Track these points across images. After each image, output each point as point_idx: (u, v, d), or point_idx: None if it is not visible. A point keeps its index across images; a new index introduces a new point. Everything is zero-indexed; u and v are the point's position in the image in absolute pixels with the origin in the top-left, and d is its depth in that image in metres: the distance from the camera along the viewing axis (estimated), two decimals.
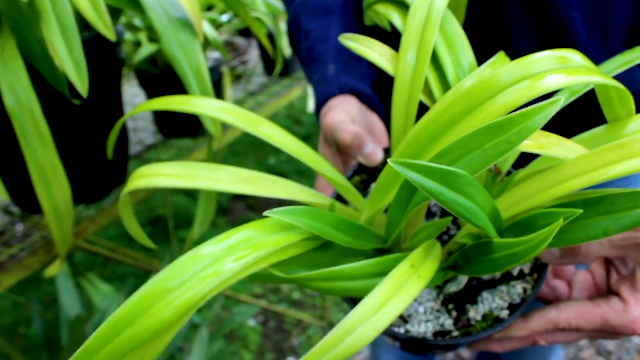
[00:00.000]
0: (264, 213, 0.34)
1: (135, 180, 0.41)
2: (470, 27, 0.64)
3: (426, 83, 0.44)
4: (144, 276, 1.81)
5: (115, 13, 0.79)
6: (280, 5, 1.09)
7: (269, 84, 1.58)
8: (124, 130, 0.89)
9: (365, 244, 0.38)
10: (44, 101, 0.58)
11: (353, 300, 0.44)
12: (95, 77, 0.77)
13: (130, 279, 1.89)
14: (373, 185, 0.46)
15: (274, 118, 2.46)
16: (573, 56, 0.37)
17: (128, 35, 1.11)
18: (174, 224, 2.21)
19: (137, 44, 1.09)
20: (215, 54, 1.15)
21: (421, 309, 0.44)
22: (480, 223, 0.34)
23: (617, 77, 0.62)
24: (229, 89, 1.14)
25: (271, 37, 1.28)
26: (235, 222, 2.51)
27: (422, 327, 0.43)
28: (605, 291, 0.46)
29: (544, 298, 0.47)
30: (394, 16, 0.47)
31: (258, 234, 0.34)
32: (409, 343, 0.43)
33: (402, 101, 0.44)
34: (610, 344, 1.87)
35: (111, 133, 0.56)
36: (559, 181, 0.36)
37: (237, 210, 2.57)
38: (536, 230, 0.33)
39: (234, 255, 0.31)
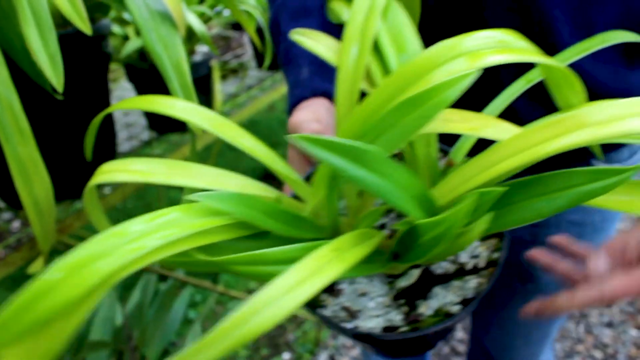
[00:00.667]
0: (188, 197, 0.35)
1: (99, 176, 0.42)
2: (451, 25, 0.63)
3: (371, 73, 0.44)
4: None
5: (102, 7, 0.78)
6: None
7: (265, 77, 1.57)
8: (111, 125, 0.88)
9: (303, 233, 0.38)
10: (25, 96, 0.57)
11: None
12: (80, 72, 0.76)
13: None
14: None
15: (270, 111, 2.45)
16: (516, 41, 0.38)
17: (117, 29, 1.10)
18: None
19: (126, 38, 1.08)
20: (205, 48, 1.14)
21: (371, 305, 0.43)
22: (399, 202, 0.34)
23: (606, 79, 0.62)
24: (218, 83, 1.13)
25: (261, 31, 1.27)
26: None
27: (371, 323, 0.42)
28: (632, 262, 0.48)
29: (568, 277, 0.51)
30: (344, 11, 0.48)
31: (186, 216, 0.34)
32: (362, 339, 0.43)
33: (345, 91, 0.44)
34: (606, 337, 1.86)
35: (89, 129, 0.55)
36: (494, 162, 0.35)
37: None
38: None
39: (160, 232, 0.32)
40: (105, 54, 0.81)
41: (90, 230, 1.38)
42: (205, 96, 1.11)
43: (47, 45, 0.51)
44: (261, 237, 0.38)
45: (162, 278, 1.51)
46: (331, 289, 0.45)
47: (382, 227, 0.49)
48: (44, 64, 0.51)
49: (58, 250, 1.49)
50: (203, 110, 0.45)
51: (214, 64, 1.15)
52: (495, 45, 0.37)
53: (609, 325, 1.92)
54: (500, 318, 1.00)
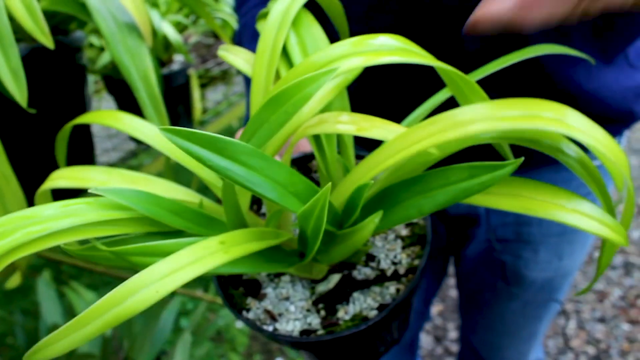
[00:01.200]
0: (89, 190, 0.37)
1: (48, 182, 0.47)
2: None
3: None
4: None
5: (74, 20, 0.78)
6: None
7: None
8: (88, 137, 0.88)
9: (210, 232, 0.39)
10: None
11: None
12: (53, 85, 0.76)
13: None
14: None
15: None
16: (374, 41, 0.39)
17: (95, 41, 1.10)
18: None
19: (103, 50, 1.08)
20: (182, 57, 1.14)
21: (292, 308, 0.45)
22: (270, 195, 0.35)
23: (580, 79, 0.62)
24: (197, 91, 1.13)
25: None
26: None
27: (290, 326, 0.44)
28: None
29: None
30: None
31: (94, 207, 0.37)
32: (283, 341, 0.44)
33: (258, 98, 0.46)
34: (599, 332, 1.87)
35: (57, 140, 0.55)
36: (379, 162, 0.37)
37: None
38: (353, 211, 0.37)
39: (67, 219, 0.35)
40: (80, 66, 0.81)
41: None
42: (184, 105, 1.11)
43: (8, 60, 0.51)
44: (175, 235, 0.39)
45: None
46: (256, 293, 0.46)
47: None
48: (6, 78, 0.51)
49: (36, 265, 1.49)
50: (150, 127, 0.47)
51: (193, 72, 1.15)
52: (394, 48, 0.39)
53: (601, 320, 1.92)
54: (487, 318, 1.00)
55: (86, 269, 1.34)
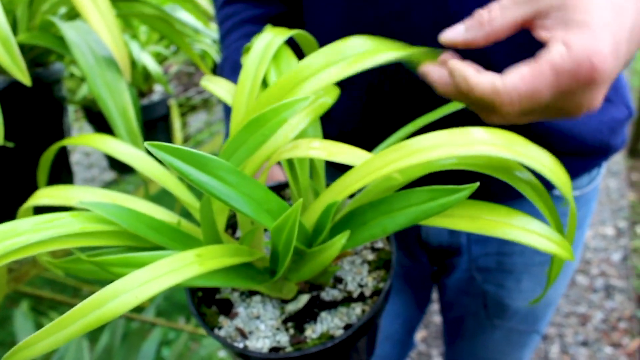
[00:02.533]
0: (81, 204, 0.40)
1: (31, 200, 0.50)
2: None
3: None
4: None
5: (52, 52, 0.78)
6: None
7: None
8: (67, 167, 0.87)
9: (187, 249, 0.41)
10: None
11: None
12: (32, 117, 0.76)
13: None
14: None
15: None
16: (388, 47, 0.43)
17: (75, 71, 1.10)
18: None
19: (84, 80, 1.08)
20: (162, 87, 1.14)
21: (262, 327, 0.47)
22: (244, 209, 0.37)
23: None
24: (177, 121, 1.13)
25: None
26: None
27: (260, 343, 0.46)
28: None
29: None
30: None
31: (76, 220, 0.39)
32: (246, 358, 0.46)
33: (237, 125, 0.48)
34: (582, 356, 1.87)
35: (40, 164, 0.55)
36: (348, 185, 0.41)
37: None
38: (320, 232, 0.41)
39: (47, 231, 0.38)
40: (59, 98, 0.81)
41: (55, 277, 1.36)
42: (165, 136, 1.11)
43: None
44: (154, 250, 0.41)
45: (132, 321, 1.48)
46: (228, 312, 0.49)
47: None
48: None
49: (13, 296, 1.46)
50: (135, 150, 0.51)
51: (173, 102, 1.15)
52: (370, 50, 0.42)
53: (584, 344, 1.93)
54: (470, 346, 1.00)
55: (64, 303, 1.32)
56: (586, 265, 2.28)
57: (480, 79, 0.38)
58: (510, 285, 0.83)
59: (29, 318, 1.43)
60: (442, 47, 0.45)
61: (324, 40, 0.54)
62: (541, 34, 0.39)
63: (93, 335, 1.51)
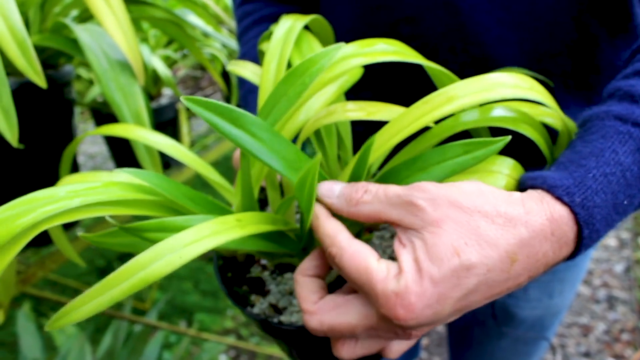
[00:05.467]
0: (118, 170, 0.40)
1: (59, 184, 0.48)
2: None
3: None
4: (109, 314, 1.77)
5: (62, 55, 0.78)
6: (235, 45, 1.09)
7: None
8: (75, 169, 0.87)
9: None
10: None
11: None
12: (41, 119, 0.76)
13: (96, 317, 1.85)
14: None
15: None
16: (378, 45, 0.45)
17: (83, 73, 1.10)
18: None
19: (92, 82, 1.08)
20: (171, 91, 1.14)
21: (295, 302, 0.47)
22: (272, 163, 0.38)
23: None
24: (185, 125, 1.13)
25: (227, 74, 1.28)
26: (207, 254, 2.47)
27: (295, 317, 0.46)
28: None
29: None
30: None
31: (113, 188, 0.39)
32: (285, 334, 0.46)
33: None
34: None
35: (62, 163, 0.56)
36: (385, 140, 0.41)
37: None
38: None
39: (83, 197, 0.37)
40: (69, 100, 0.81)
41: (70, 274, 1.36)
42: (173, 138, 1.11)
43: (0, 99, 0.50)
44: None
45: (134, 324, 1.48)
46: (260, 290, 0.49)
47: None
48: None
49: (15, 297, 1.46)
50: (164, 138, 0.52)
51: (181, 106, 1.15)
52: (357, 51, 0.44)
53: (586, 355, 1.92)
54: (476, 355, 1.00)
55: (64, 304, 1.31)
56: (589, 275, 2.28)
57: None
58: (518, 294, 0.82)
59: (31, 319, 1.42)
60: (455, 57, 0.47)
61: (338, 41, 0.54)
62: (395, 242, 0.37)
63: (95, 337, 1.51)
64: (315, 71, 0.39)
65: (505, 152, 0.40)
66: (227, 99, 1.58)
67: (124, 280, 0.31)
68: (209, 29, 0.92)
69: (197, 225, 0.34)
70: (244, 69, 0.54)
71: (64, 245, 0.63)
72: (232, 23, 1.04)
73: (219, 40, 1.00)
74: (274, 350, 1.89)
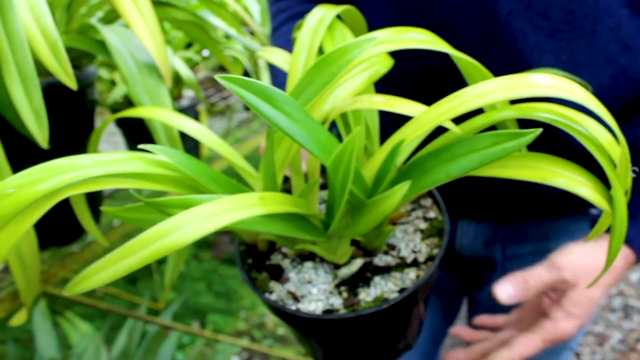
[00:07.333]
0: (141, 146, 0.39)
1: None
2: None
3: None
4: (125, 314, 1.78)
5: (86, 55, 0.78)
6: (257, 46, 1.09)
7: (253, 119, 1.57)
8: None
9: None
10: (8, 145, 0.56)
11: None
12: (64, 120, 0.76)
13: (110, 316, 1.86)
14: None
15: (258, 153, 2.43)
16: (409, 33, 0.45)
17: (105, 74, 1.10)
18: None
19: (114, 83, 1.08)
20: (192, 92, 1.15)
21: (314, 291, 0.47)
22: (305, 143, 0.38)
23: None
24: (206, 126, 1.13)
25: (248, 76, 1.28)
26: (220, 255, 2.48)
27: (313, 306, 0.46)
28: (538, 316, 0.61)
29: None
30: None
31: (136, 161, 0.39)
32: (304, 323, 0.46)
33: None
34: None
35: (89, 146, 0.56)
36: (407, 135, 0.41)
37: (222, 244, 2.55)
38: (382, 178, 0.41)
39: (106, 167, 0.36)
40: (92, 101, 0.81)
41: (70, 276, 1.36)
42: (193, 140, 1.11)
43: (31, 100, 0.50)
44: None
45: (147, 323, 1.48)
46: (279, 277, 0.49)
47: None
48: (28, 119, 0.50)
49: (41, 293, 1.46)
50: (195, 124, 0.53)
51: (201, 108, 1.15)
52: (389, 38, 0.44)
53: None
54: None
55: (79, 302, 1.32)
56: None
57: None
58: None
59: (47, 317, 1.43)
60: (490, 62, 0.47)
61: None
62: (545, 301, 0.60)
63: (110, 336, 1.52)
64: (345, 62, 0.39)
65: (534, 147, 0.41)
66: None
67: (142, 248, 0.30)
68: (231, 30, 0.92)
69: (219, 199, 0.33)
70: (274, 56, 0.55)
71: (87, 223, 0.64)
72: (254, 25, 1.04)
73: (241, 43, 1.00)
74: (287, 352, 1.89)
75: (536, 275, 0.57)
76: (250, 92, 0.36)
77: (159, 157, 0.40)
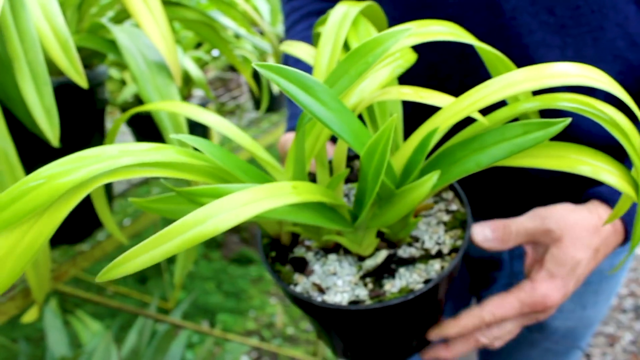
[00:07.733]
0: (173, 136, 0.39)
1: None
2: None
3: None
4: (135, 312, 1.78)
5: (97, 55, 0.79)
6: (267, 46, 1.10)
7: (262, 119, 1.57)
8: None
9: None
10: (21, 143, 0.57)
11: None
12: (75, 119, 0.77)
13: (120, 315, 1.87)
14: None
15: (269, 150, 2.44)
16: (460, 31, 0.47)
17: (115, 73, 1.11)
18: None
19: (124, 83, 1.08)
20: (202, 92, 1.15)
21: (339, 282, 0.48)
22: (340, 132, 0.38)
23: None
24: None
25: (258, 75, 1.28)
26: (229, 255, 2.49)
27: (338, 297, 0.46)
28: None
29: None
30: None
31: (165, 150, 0.38)
32: (328, 315, 0.46)
33: None
34: None
35: (109, 136, 0.56)
36: (439, 124, 0.42)
37: (231, 243, 2.55)
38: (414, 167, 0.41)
39: (133, 157, 0.36)
40: (102, 100, 0.81)
41: (88, 275, 1.37)
42: (201, 134, 1.11)
43: (42, 99, 0.51)
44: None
45: (157, 322, 1.49)
46: (303, 270, 0.49)
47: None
48: (39, 117, 0.51)
49: (52, 292, 1.47)
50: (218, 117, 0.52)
51: (211, 107, 1.15)
52: (416, 31, 0.45)
53: None
54: None
55: (90, 300, 1.33)
56: None
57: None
58: None
59: (58, 316, 1.44)
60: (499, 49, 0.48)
61: None
62: (527, 261, 0.58)
63: (120, 335, 1.52)
64: (380, 52, 0.39)
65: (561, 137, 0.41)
66: (258, 101, 1.59)
67: (177, 235, 0.30)
68: (241, 30, 0.92)
69: (252, 187, 0.33)
70: (298, 49, 0.55)
71: (106, 219, 0.64)
72: (264, 24, 1.04)
73: (251, 42, 1.00)
74: (296, 352, 1.89)
75: (518, 222, 0.54)
76: (287, 80, 0.36)
77: (177, 149, 0.40)
